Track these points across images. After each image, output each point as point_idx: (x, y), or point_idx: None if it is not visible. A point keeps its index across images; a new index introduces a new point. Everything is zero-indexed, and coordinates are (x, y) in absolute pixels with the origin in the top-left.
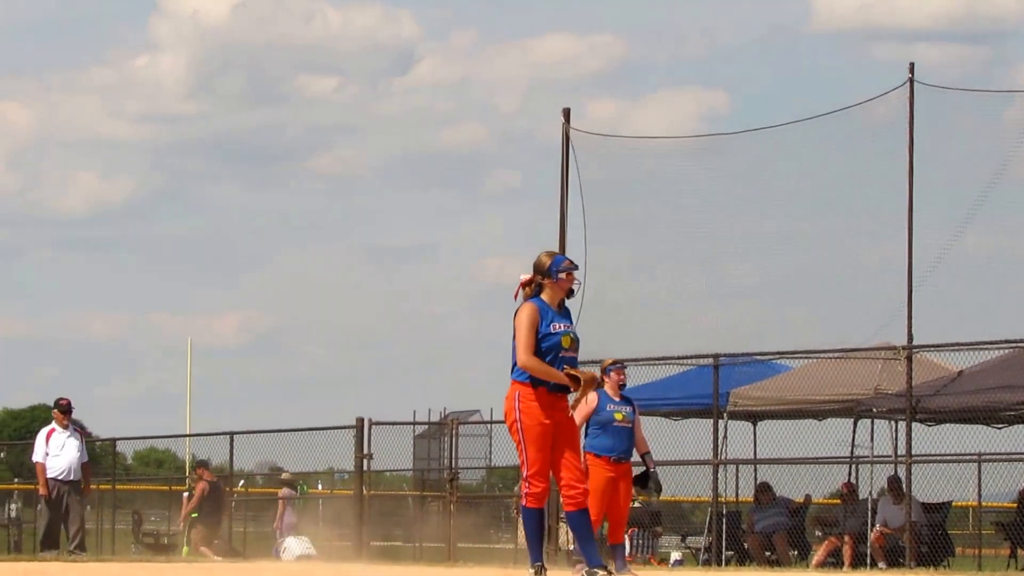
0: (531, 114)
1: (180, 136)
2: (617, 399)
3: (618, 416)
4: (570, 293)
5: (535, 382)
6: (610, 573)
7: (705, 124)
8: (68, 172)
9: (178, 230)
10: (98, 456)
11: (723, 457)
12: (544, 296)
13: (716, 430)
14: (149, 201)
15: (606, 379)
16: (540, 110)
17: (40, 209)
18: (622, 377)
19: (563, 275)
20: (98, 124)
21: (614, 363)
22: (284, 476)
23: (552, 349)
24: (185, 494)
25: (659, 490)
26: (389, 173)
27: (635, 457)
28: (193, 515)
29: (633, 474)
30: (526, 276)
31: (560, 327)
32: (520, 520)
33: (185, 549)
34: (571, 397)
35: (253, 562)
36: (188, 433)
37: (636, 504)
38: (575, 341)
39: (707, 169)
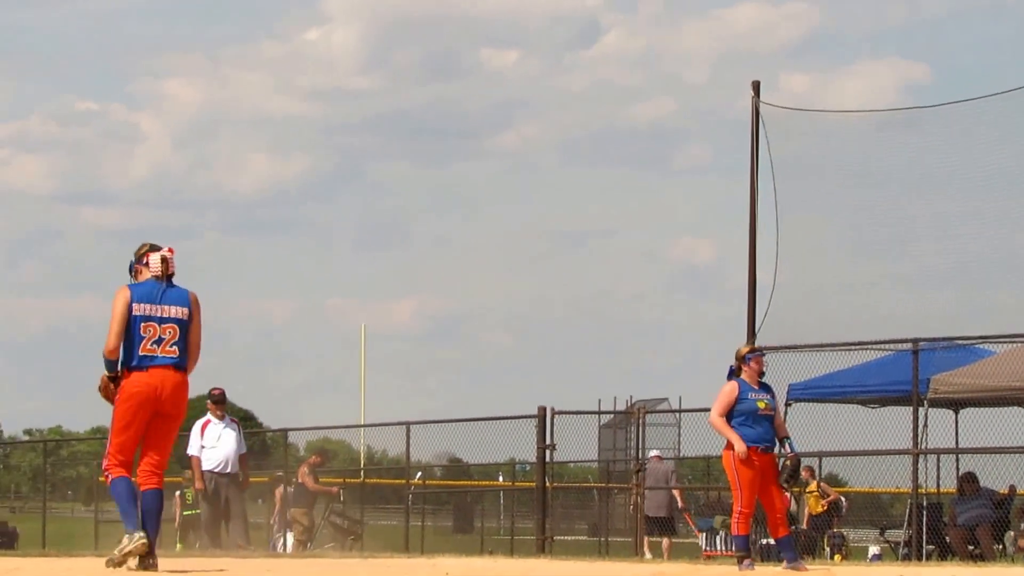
0: (721, 87)
1: (354, 113)
2: (756, 387)
3: (760, 404)
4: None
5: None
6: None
7: (905, 96)
8: (237, 151)
9: (352, 211)
10: (269, 448)
11: (923, 447)
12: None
13: (916, 418)
14: (321, 181)
15: (745, 368)
16: (730, 83)
17: (209, 190)
18: (761, 365)
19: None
20: (268, 101)
21: (753, 351)
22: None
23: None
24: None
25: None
26: (573, 150)
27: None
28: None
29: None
30: None
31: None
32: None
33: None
34: None
35: (425, 558)
36: (362, 423)
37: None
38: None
39: (906, 144)
